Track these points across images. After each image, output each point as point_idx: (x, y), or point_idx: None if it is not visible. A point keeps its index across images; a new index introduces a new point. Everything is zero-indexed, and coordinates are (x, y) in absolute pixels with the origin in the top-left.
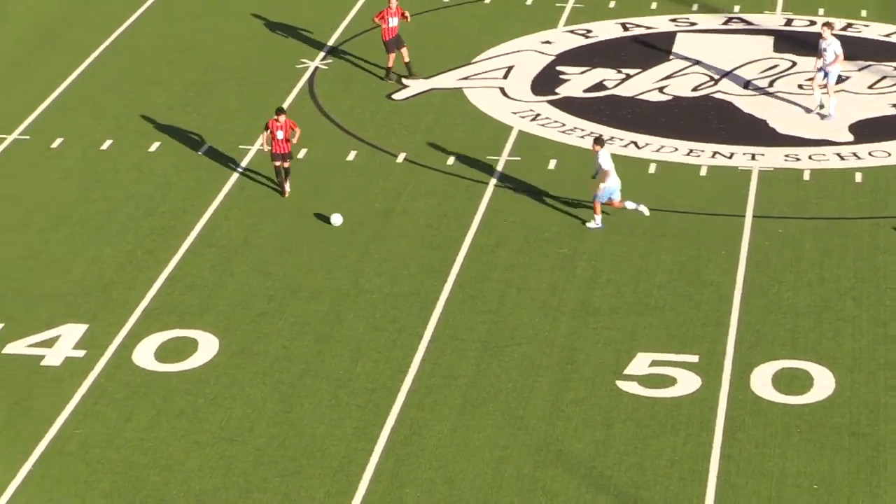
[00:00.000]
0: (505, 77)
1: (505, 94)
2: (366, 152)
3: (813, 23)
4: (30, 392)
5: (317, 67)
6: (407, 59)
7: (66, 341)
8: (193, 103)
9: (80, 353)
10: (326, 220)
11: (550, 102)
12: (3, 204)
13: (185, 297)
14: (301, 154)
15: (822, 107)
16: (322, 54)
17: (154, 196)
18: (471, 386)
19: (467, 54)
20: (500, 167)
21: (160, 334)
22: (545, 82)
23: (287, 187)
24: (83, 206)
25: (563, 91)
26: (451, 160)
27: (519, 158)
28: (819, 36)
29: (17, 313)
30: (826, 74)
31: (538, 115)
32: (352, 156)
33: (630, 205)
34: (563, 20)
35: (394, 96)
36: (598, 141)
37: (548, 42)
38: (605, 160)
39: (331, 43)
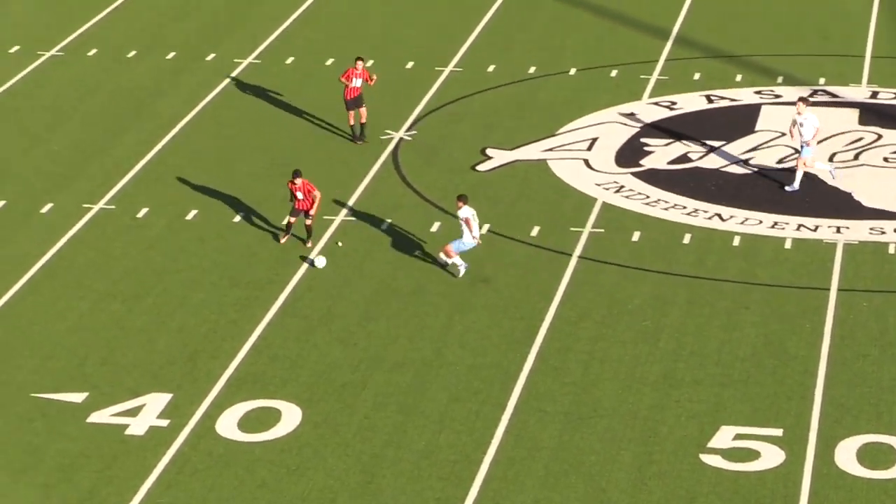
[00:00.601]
0: (589, 149)
1: (589, 166)
2: (449, 224)
3: None
4: (114, 461)
5: (401, 138)
6: (363, 120)
7: (150, 410)
8: (278, 174)
9: (164, 423)
10: (312, 263)
11: (634, 174)
12: (89, 273)
13: (269, 368)
14: (384, 225)
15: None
16: (406, 125)
17: (238, 266)
18: (553, 458)
19: (552, 126)
20: (583, 239)
21: (244, 404)
22: (629, 154)
23: (309, 243)
24: (168, 276)
25: (647, 163)
26: (534, 231)
27: (603, 230)
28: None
29: (101, 382)
30: (803, 148)
31: (622, 186)
32: (435, 227)
33: (458, 260)
34: (647, 92)
35: (478, 167)
36: (461, 198)
37: (632, 114)
38: (464, 215)
39: (415, 114)
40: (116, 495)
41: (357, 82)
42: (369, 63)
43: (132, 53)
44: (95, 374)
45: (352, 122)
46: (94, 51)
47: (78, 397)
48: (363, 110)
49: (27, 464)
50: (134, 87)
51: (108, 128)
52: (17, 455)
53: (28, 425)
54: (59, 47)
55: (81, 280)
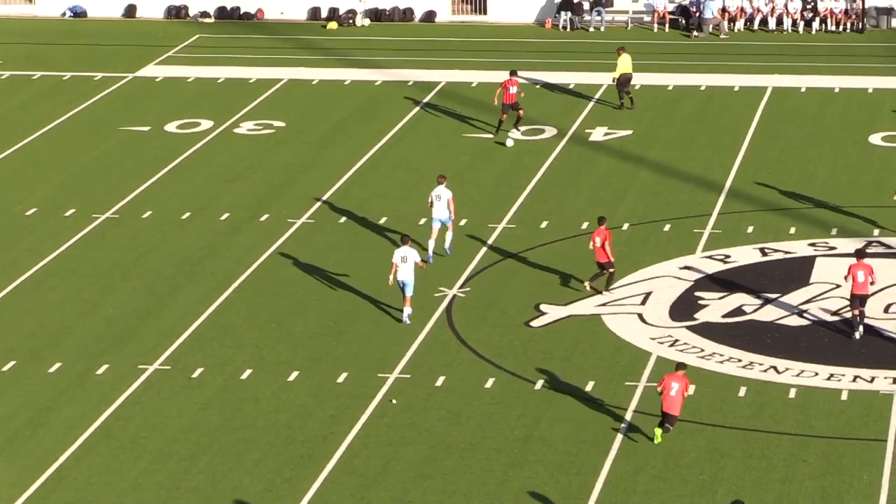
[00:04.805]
0: (643, 303)
1: (643, 321)
2: (504, 380)
3: None
4: None
5: (454, 296)
6: None
7: None
8: (333, 332)
9: None
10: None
11: (689, 328)
12: (144, 433)
13: None
14: (439, 381)
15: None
16: (460, 282)
17: (293, 425)
18: None
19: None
20: (638, 393)
21: None
22: (683, 308)
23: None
24: (223, 436)
25: (701, 316)
26: (589, 386)
27: (657, 384)
28: None
29: None
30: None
31: (677, 340)
32: (489, 383)
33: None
34: (700, 246)
35: (532, 324)
36: (403, 238)
37: (686, 268)
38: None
39: (468, 271)
40: None
41: None
42: (421, 221)
43: (186, 215)
44: None
45: None
46: (148, 213)
47: None
48: None
49: None
50: (189, 248)
51: (163, 290)
52: None
53: None
54: (114, 210)
55: (137, 440)
